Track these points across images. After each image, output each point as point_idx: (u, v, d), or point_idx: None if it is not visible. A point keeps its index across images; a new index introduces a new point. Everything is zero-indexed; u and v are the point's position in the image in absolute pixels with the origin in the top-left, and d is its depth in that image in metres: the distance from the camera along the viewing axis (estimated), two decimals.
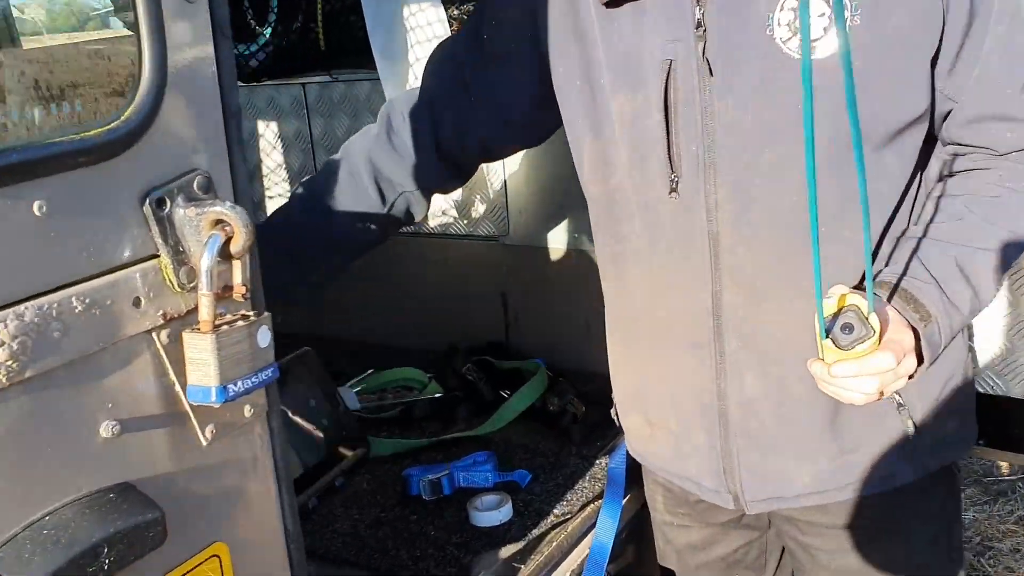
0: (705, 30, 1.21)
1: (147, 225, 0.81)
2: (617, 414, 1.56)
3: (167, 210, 0.82)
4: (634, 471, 1.60)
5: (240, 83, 2.37)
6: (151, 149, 0.81)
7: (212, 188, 0.86)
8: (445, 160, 1.53)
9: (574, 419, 1.84)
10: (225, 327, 0.83)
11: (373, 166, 1.53)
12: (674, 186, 1.32)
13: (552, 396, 1.89)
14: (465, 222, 2.21)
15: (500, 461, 1.71)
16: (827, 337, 1.05)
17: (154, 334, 0.82)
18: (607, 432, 1.79)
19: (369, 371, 2.10)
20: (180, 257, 0.83)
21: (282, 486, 0.98)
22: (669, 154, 1.30)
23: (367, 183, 1.52)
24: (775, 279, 1.27)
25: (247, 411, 0.92)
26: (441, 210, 2.20)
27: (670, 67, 1.26)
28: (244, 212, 0.82)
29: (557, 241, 2.09)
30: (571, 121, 1.41)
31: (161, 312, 0.82)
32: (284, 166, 2.43)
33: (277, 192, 2.47)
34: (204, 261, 0.81)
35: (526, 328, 2.18)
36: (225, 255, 0.84)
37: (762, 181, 1.24)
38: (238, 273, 0.86)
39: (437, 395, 1.97)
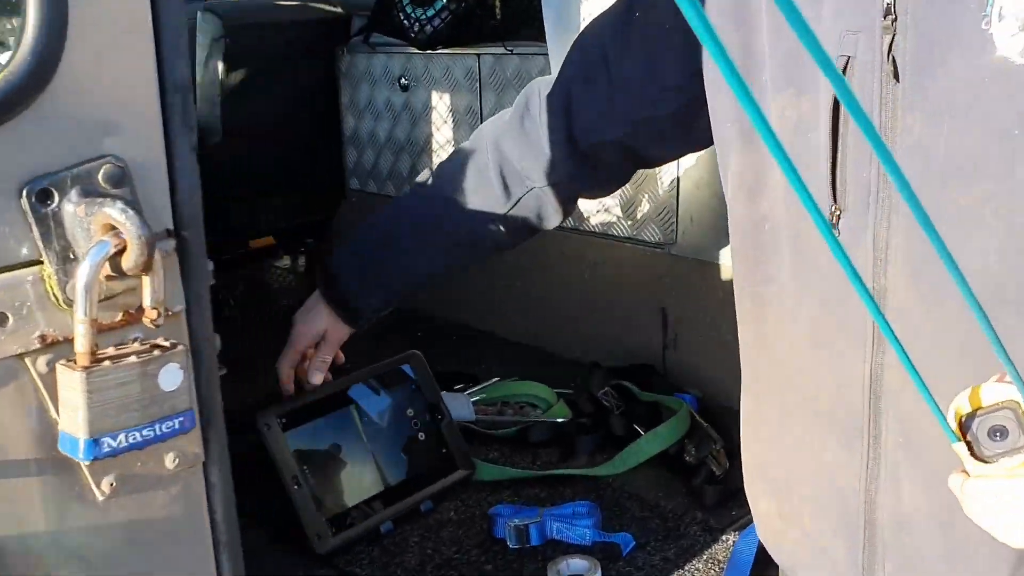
0: (896, 19, 0.88)
1: (25, 223, 0.63)
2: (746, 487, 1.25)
3: (53, 206, 0.64)
4: (765, 558, 1.29)
5: (417, 50, 2.22)
6: (39, 123, 0.63)
7: (127, 182, 0.67)
8: (583, 158, 1.28)
9: (711, 477, 1.53)
10: (107, 363, 0.64)
11: (500, 154, 1.31)
12: (834, 221, 0.99)
13: (692, 444, 1.59)
14: (629, 223, 1.93)
15: (607, 515, 1.45)
16: (962, 441, 0.74)
17: (28, 360, 0.65)
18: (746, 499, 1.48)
19: (495, 379, 1.89)
20: (69, 267, 0.65)
21: (223, 557, 0.78)
22: (833, 179, 0.97)
23: (492, 173, 1.31)
24: (958, 359, 0.92)
25: (170, 461, 0.73)
26: (604, 206, 1.93)
27: (846, 65, 0.94)
28: (137, 218, 0.62)
29: (730, 258, 1.77)
30: (719, 124, 1.11)
31: (39, 334, 0.65)
32: (453, 142, 2.26)
33: None
34: (81, 275, 0.62)
35: (685, 352, 1.88)
36: (120, 268, 0.64)
37: (952, 227, 0.89)
38: (147, 292, 0.67)
39: (560, 420, 1.72)
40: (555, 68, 1.85)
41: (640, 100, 1.21)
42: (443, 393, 1.74)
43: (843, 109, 0.92)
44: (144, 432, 0.66)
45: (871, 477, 0.99)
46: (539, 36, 1.92)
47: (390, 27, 2.23)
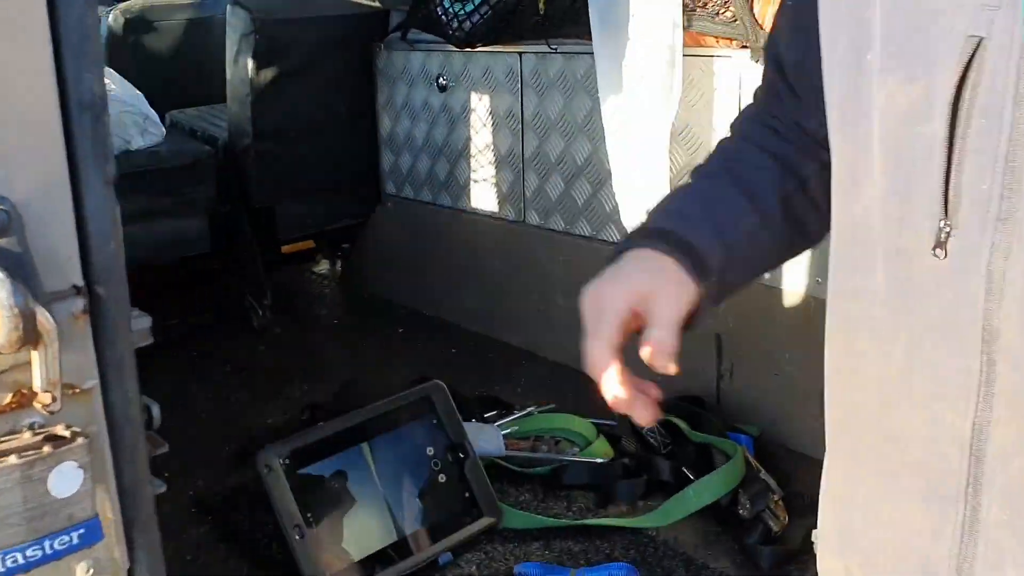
0: None
1: None
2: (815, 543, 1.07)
3: None
4: None
5: (454, 48, 2.06)
6: None
7: (13, 230, 0.52)
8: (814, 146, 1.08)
9: (768, 535, 1.35)
10: None
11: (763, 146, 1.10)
12: (942, 239, 0.78)
13: (747, 495, 1.41)
14: None
15: None
16: None
17: None
18: (810, 562, 1.30)
19: (529, 409, 1.72)
20: None
21: None
22: (946, 187, 0.77)
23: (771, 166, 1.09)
24: None
25: (82, 573, 0.58)
26: None
27: (976, 48, 0.73)
28: (6, 284, 0.48)
29: (795, 282, 1.59)
30: (829, 108, 0.92)
31: None
32: (492, 147, 2.10)
33: (482, 176, 2.14)
34: None
35: (741, 385, 1.70)
36: None
37: None
38: (36, 371, 0.52)
39: (598, 460, 1.56)
40: (601, 68, 1.68)
41: (813, 87, 1.02)
42: (471, 424, 1.59)
43: (964, 102, 0.72)
44: (29, 552, 0.51)
45: (965, 556, 0.80)
46: (584, 34, 1.75)
47: (428, 23, 2.07)
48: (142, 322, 0.63)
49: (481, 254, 2.19)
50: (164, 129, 2.30)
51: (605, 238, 1.89)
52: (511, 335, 2.14)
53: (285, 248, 2.52)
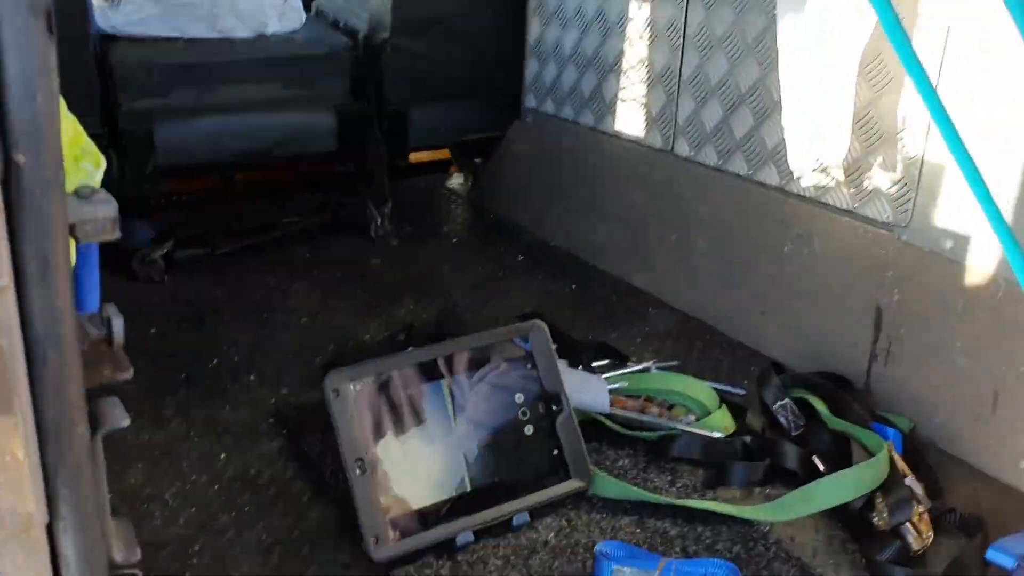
0: None
1: None
2: None
3: None
4: None
5: None
6: None
7: None
8: None
9: (905, 554, 1.13)
10: None
11: None
12: None
13: (886, 501, 1.18)
14: (851, 191, 1.49)
15: None
16: None
17: None
18: None
19: (648, 364, 1.53)
20: None
21: None
22: None
23: None
24: None
25: None
26: (822, 165, 1.50)
27: None
28: None
29: (985, 258, 1.31)
30: None
31: None
32: (646, 63, 1.86)
33: (630, 95, 1.91)
34: None
35: (898, 370, 1.44)
36: None
37: None
38: None
39: (715, 434, 1.35)
40: None
41: None
42: (575, 372, 1.42)
43: None
44: None
45: None
46: None
47: None
48: (103, 208, 0.47)
49: (619, 183, 1.98)
50: (305, 16, 2.18)
51: (763, 180, 1.64)
52: (641, 278, 1.94)
53: (414, 157, 2.38)
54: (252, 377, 1.55)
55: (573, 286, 1.96)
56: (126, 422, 0.53)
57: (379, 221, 2.15)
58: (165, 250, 1.94)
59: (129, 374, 0.51)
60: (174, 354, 1.62)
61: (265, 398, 1.48)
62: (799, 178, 1.56)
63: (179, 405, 1.46)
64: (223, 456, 1.33)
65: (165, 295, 1.86)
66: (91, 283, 0.63)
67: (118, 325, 0.50)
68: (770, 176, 1.62)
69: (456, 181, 2.66)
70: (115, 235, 0.48)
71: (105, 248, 1.74)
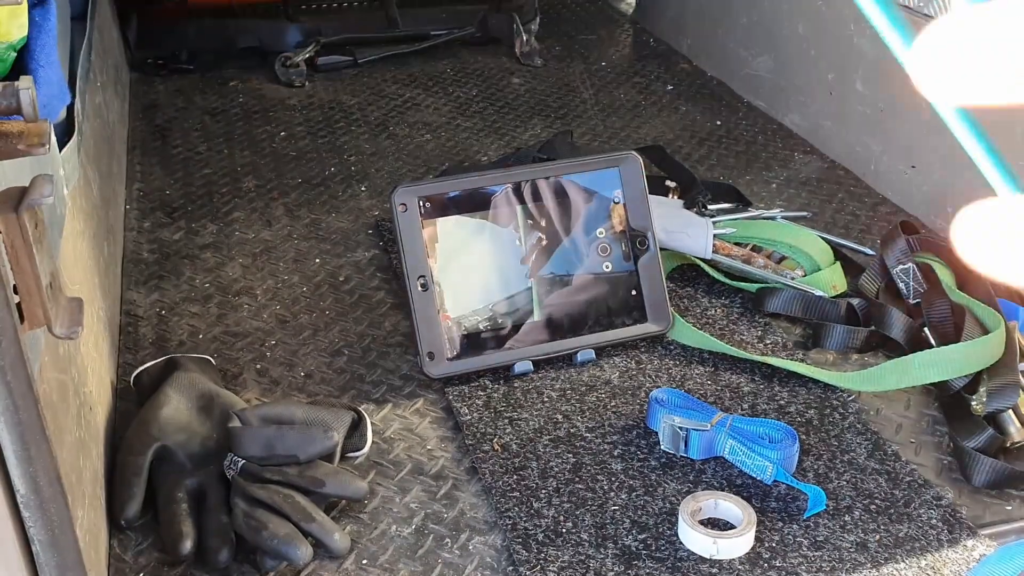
0: None
1: None
2: None
3: None
4: None
5: None
6: None
7: None
8: None
9: (996, 445, 1.02)
10: None
11: None
12: None
13: (989, 384, 1.06)
14: None
15: (807, 453, 1.02)
16: None
17: None
18: None
19: (774, 212, 1.41)
20: None
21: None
22: None
23: None
24: None
25: None
26: None
27: None
28: None
29: None
30: None
31: None
32: None
33: None
34: None
35: None
36: None
37: None
38: None
39: (819, 293, 1.24)
40: None
41: None
42: (680, 212, 1.34)
43: None
44: None
45: None
46: None
47: None
48: None
49: (782, 12, 1.79)
50: None
51: (933, 14, 1.43)
52: (792, 117, 1.78)
53: None
54: (363, 188, 1.57)
55: (718, 122, 1.83)
56: (51, 199, 0.53)
57: (524, 38, 2.06)
58: (308, 55, 1.95)
59: (43, 150, 0.50)
60: (297, 157, 1.66)
61: (370, 209, 1.50)
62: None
63: (289, 207, 1.50)
64: (317, 260, 1.37)
65: (302, 98, 1.89)
66: (44, 54, 0.62)
67: (27, 96, 0.48)
68: (942, 10, 1.41)
69: (626, 1, 2.51)
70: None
71: (250, 51, 1.77)
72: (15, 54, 0.68)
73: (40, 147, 0.51)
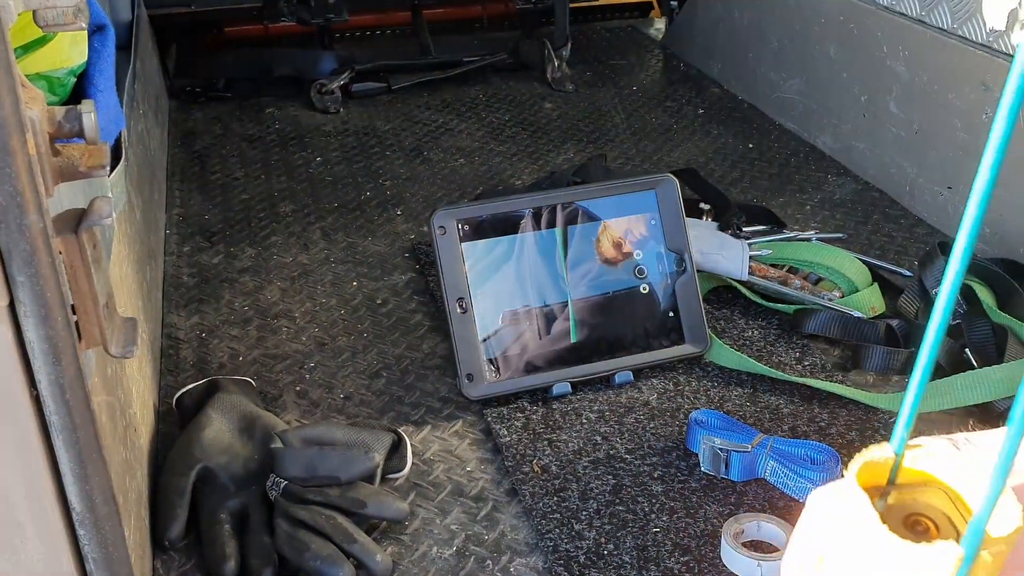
0: None
1: None
2: None
3: None
4: None
5: None
6: None
7: None
8: None
9: None
10: None
11: None
12: None
13: None
14: None
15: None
16: None
17: None
18: None
19: (809, 234, 1.41)
20: None
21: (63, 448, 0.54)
22: None
23: None
24: None
25: None
26: None
27: None
28: None
29: None
30: None
31: None
32: None
33: None
34: None
35: None
36: None
37: None
38: None
39: (857, 314, 1.24)
40: None
41: None
42: (716, 235, 1.34)
43: None
44: None
45: None
46: None
47: None
48: None
49: (813, 35, 1.79)
50: None
51: (967, 35, 1.43)
52: (825, 141, 1.78)
53: None
54: (399, 211, 1.58)
55: (750, 144, 1.83)
56: (109, 220, 0.54)
57: (556, 64, 2.08)
58: (343, 82, 1.98)
59: (104, 171, 0.52)
60: (333, 182, 1.68)
61: (406, 232, 1.51)
62: (1001, 30, 1.33)
63: (326, 231, 1.52)
64: (355, 283, 1.38)
65: (337, 124, 1.91)
66: (103, 80, 0.63)
67: (88, 120, 0.50)
68: (973, 31, 1.40)
69: (655, 26, 2.52)
70: (78, 26, 0.47)
71: (286, 79, 1.80)
72: (75, 79, 0.70)
73: (101, 169, 0.53)
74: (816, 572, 0.39)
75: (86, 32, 0.69)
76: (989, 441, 0.45)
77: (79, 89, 0.72)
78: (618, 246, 1.18)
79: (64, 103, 0.65)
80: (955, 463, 0.39)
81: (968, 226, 0.38)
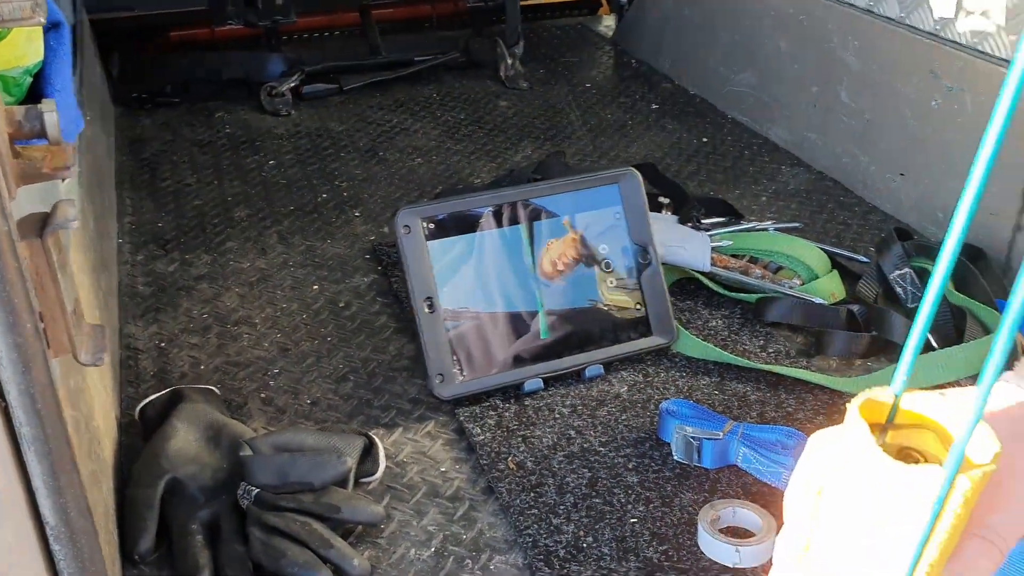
0: None
1: None
2: None
3: None
4: None
5: None
6: None
7: None
8: None
9: None
10: None
11: None
12: None
13: None
14: (1013, 38, 1.29)
15: None
16: None
17: None
18: None
19: (766, 224, 1.43)
20: None
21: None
22: None
23: None
24: None
25: None
26: (980, 7, 1.30)
27: None
28: None
29: None
30: None
31: None
32: None
33: None
34: None
35: None
36: None
37: None
38: None
39: (818, 300, 1.25)
40: None
41: None
42: (677, 228, 1.35)
43: None
44: None
45: None
46: None
47: None
48: None
49: (764, 29, 1.81)
50: None
51: (915, 24, 1.46)
52: (778, 133, 1.80)
53: None
54: (357, 213, 1.56)
55: (704, 139, 1.85)
56: (76, 224, 0.52)
57: (509, 62, 2.08)
58: (293, 84, 1.96)
59: (69, 172, 0.50)
60: (288, 185, 1.66)
61: (365, 234, 1.49)
62: (948, 19, 1.36)
63: (283, 235, 1.49)
64: (315, 287, 1.36)
65: (289, 127, 1.89)
66: (60, 79, 0.61)
67: (51, 119, 0.48)
68: (922, 19, 1.43)
69: (605, 23, 2.53)
70: (36, 21, 0.45)
71: (235, 82, 1.77)
72: (31, 79, 0.67)
73: (65, 170, 0.51)
74: (815, 503, 0.43)
75: (41, 29, 0.66)
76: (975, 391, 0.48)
77: (35, 89, 0.69)
78: (583, 241, 1.18)
79: (20, 104, 0.63)
80: (945, 407, 0.44)
81: (962, 217, 0.38)
